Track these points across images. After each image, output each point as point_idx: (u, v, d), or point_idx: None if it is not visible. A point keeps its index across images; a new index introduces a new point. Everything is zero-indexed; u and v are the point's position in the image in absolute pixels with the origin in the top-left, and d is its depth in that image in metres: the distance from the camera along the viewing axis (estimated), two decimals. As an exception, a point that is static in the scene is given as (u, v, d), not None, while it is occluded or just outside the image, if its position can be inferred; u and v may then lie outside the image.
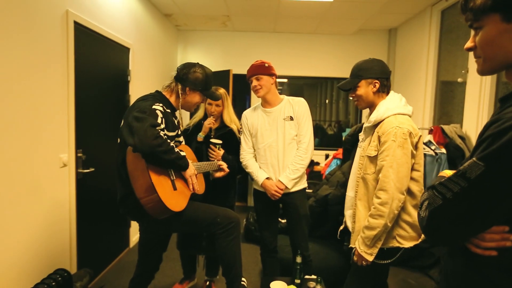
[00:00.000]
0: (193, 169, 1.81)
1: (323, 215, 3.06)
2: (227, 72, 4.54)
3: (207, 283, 2.80)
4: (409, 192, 1.62)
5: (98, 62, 2.92)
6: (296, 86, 5.76)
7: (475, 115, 3.06)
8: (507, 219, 0.76)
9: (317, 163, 4.95)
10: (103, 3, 2.94)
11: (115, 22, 3.17)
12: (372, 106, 1.74)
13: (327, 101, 6.39)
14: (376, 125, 1.67)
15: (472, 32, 0.84)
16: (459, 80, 3.43)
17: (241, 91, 5.22)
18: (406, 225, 1.63)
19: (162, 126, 1.62)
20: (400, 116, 1.62)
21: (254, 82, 2.27)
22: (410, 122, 1.62)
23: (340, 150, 4.28)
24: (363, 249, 1.62)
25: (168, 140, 1.61)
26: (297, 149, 2.30)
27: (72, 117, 2.50)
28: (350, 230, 1.80)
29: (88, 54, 2.73)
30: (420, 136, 1.64)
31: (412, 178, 1.62)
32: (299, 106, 2.32)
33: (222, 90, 2.51)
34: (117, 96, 3.27)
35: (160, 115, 1.64)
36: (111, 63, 3.17)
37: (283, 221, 3.16)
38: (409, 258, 2.46)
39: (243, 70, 4.97)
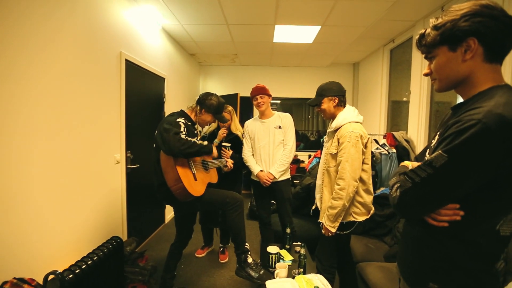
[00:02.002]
0: (215, 150, 1.88)
1: (307, 199, 3.08)
2: (235, 95, 4.60)
3: (221, 249, 2.82)
4: (361, 180, 1.64)
5: (142, 88, 2.96)
6: (286, 105, 5.80)
7: (416, 124, 3.11)
8: (460, 199, 0.75)
9: (302, 161, 4.97)
10: (146, 45, 3.01)
11: (155, 59, 3.23)
12: (333, 117, 1.75)
13: (309, 116, 6.44)
14: (335, 130, 1.69)
15: (427, 62, 0.85)
16: (404, 99, 3.47)
17: (246, 109, 5.26)
18: (359, 204, 1.66)
19: (184, 133, 1.63)
20: (354, 123, 1.63)
21: (259, 99, 2.31)
22: (361, 128, 1.64)
23: (319, 151, 4.32)
24: (328, 224, 1.64)
25: (189, 138, 1.62)
26: (283, 150, 2.33)
27: (123, 127, 2.54)
28: (319, 208, 1.82)
29: (135, 83, 2.77)
30: (368, 138, 1.66)
31: (362, 170, 1.64)
32: (286, 119, 2.36)
33: (230, 108, 2.54)
34: (155, 113, 3.31)
35: (182, 125, 1.66)
36: (151, 89, 3.21)
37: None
38: (369, 229, 2.47)
39: (247, 93, 5.02)
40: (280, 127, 2.35)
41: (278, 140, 2.34)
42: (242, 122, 2.70)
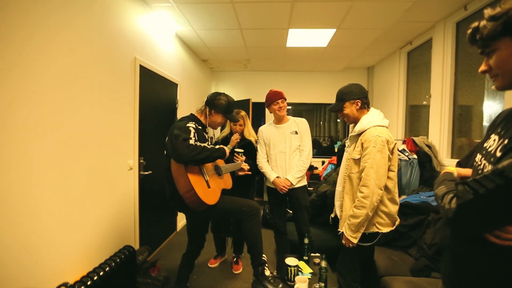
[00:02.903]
0: (228, 152, 1.78)
1: (323, 207, 2.95)
2: (247, 100, 4.54)
3: (234, 259, 2.72)
4: (386, 188, 1.52)
5: (155, 94, 2.94)
6: (297, 111, 5.71)
7: (438, 128, 2.96)
8: None
9: (316, 168, 4.84)
10: (160, 52, 2.99)
11: (168, 65, 3.21)
12: (357, 121, 1.65)
13: (321, 122, 6.32)
14: (359, 134, 1.59)
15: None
16: (424, 103, 3.32)
17: (258, 114, 5.20)
18: (383, 214, 1.54)
19: (194, 138, 1.55)
20: (379, 127, 1.53)
21: (280, 104, 2.24)
22: (388, 132, 1.53)
23: (334, 158, 4.20)
24: (349, 234, 1.53)
25: (198, 143, 1.54)
26: (300, 156, 2.26)
27: (136, 133, 2.51)
28: (339, 217, 1.72)
29: (148, 88, 2.75)
30: (395, 143, 1.55)
31: (388, 177, 1.53)
32: (302, 124, 2.30)
33: (243, 113, 2.49)
34: (168, 119, 3.27)
35: (192, 130, 1.59)
36: (164, 95, 3.19)
37: (291, 211, 3.04)
38: (391, 239, 2.32)
39: (260, 99, 5.14)
40: (296, 133, 2.28)
41: (294, 146, 2.26)
42: (254, 128, 2.63)
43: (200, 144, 1.55)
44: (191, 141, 1.51)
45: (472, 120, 2.69)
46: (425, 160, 2.86)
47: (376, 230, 1.54)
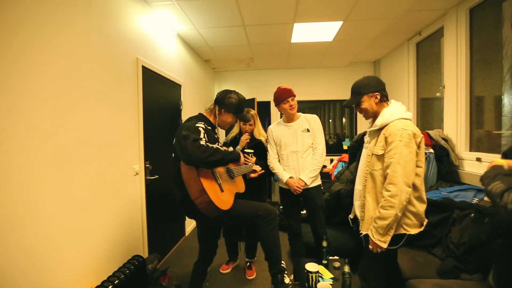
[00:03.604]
0: (242, 157, 1.70)
1: (337, 207, 2.84)
2: (252, 100, 4.44)
3: (247, 264, 2.61)
4: (413, 185, 1.41)
5: (159, 96, 2.86)
6: (300, 109, 5.57)
7: (454, 121, 2.82)
8: None
9: (325, 166, 4.72)
10: (162, 52, 2.91)
11: (171, 65, 3.14)
12: (376, 115, 1.55)
13: (328, 120, 6.21)
14: (381, 128, 1.48)
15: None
16: (438, 94, 3.19)
17: (263, 114, 5.09)
18: (411, 214, 1.44)
19: (204, 139, 1.46)
20: (403, 120, 1.43)
21: (291, 102, 2.15)
22: (413, 125, 1.43)
23: (344, 155, 4.10)
24: (377, 238, 1.41)
25: (210, 144, 1.44)
26: (313, 154, 2.17)
27: (141, 137, 2.42)
28: (359, 218, 1.62)
29: (151, 90, 2.67)
30: (422, 137, 1.44)
31: (415, 174, 1.41)
32: (314, 121, 2.21)
33: (253, 112, 2.41)
34: (173, 121, 3.19)
35: (202, 131, 1.50)
36: (168, 96, 3.11)
37: (303, 212, 2.94)
38: (413, 239, 2.19)
39: (264, 98, 5.06)
40: (308, 130, 2.19)
41: (307, 144, 2.17)
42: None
43: (212, 145, 1.45)
44: (202, 142, 1.41)
45: (490, 111, 2.56)
46: (442, 154, 2.73)
47: (403, 231, 1.44)
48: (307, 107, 5.71)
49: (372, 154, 1.50)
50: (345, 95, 4.95)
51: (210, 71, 4.94)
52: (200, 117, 1.71)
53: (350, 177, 2.92)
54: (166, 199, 2.88)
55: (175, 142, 1.53)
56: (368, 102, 1.54)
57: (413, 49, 3.68)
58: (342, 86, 4.95)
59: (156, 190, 2.68)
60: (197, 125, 1.52)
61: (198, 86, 4.19)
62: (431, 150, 2.76)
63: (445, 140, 2.79)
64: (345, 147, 4.93)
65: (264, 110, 5.04)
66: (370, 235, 1.45)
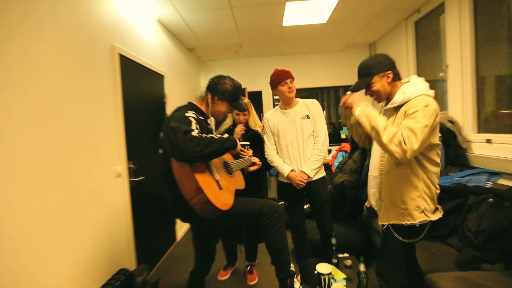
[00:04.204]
0: (239, 144, 1.58)
1: (341, 199, 2.77)
2: (242, 90, 4.24)
3: (248, 267, 2.49)
4: (433, 162, 1.35)
5: (140, 88, 2.69)
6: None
7: (460, 102, 2.77)
8: None
9: (323, 157, 4.66)
10: (141, 39, 2.73)
11: (152, 54, 2.97)
12: (391, 97, 1.45)
13: (324, 110, 6.15)
14: (399, 106, 1.39)
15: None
16: (441, 75, 3.13)
17: (254, 105, 4.95)
18: (428, 198, 1.37)
19: (197, 130, 1.34)
20: (427, 97, 1.34)
21: (290, 84, 2.04)
22: (437, 106, 1.33)
23: (344, 145, 4.05)
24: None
25: (203, 134, 1.33)
26: (315, 143, 2.08)
27: (122, 134, 2.25)
28: (375, 208, 1.55)
29: (132, 81, 2.50)
30: (440, 118, 1.37)
31: (432, 160, 1.35)
32: (314, 106, 2.13)
33: (246, 100, 2.30)
34: (157, 115, 3.02)
35: (193, 121, 1.39)
36: (151, 88, 2.94)
37: (306, 206, 2.85)
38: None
39: (255, 87, 4.96)
40: (308, 117, 2.11)
41: (307, 132, 2.08)
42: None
43: (206, 135, 1.33)
44: (194, 133, 1.29)
45: (498, 90, 2.51)
46: (449, 137, 2.66)
47: (425, 218, 1.36)
48: (299, 96, 5.62)
49: None
50: (340, 81, 4.91)
51: (196, 61, 4.78)
52: (190, 106, 1.58)
53: (354, 166, 2.85)
54: (154, 202, 2.74)
55: (163, 136, 1.40)
56: (380, 83, 1.44)
57: (412, 29, 3.61)
58: (337, 72, 4.89)
59: (142, 192, 2.52)
60: (187, 114, 1.40)
61: (183, 77, 4.03)
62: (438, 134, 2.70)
63: (451, 122, 2.73)
64: (343, 136, 4.86)
65: (255, 100, 4.91)
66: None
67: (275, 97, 5.04)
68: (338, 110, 5.75)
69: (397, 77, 1.45)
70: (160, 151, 1.52)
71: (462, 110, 2.74)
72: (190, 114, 1.43)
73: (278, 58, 4.97)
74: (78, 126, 1.76)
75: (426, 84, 1.40)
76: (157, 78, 3.09)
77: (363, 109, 1.35)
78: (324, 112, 6.14)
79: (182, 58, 4.04)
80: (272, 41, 4.15)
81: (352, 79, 1.51)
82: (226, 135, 1.48)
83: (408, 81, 1.45)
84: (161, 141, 1.42)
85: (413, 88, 1.37)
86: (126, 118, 2.30)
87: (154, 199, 2.73)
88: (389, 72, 1.42)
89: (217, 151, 1.35)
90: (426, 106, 1.27)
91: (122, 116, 2.24)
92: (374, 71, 1.43)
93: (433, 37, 3.29)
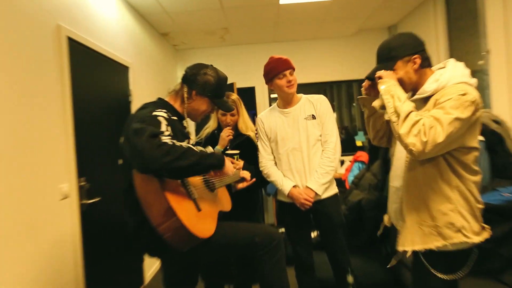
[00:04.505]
0: (231, 165, 1.53)
1: (358, 223, 2.78)
2: (230, 85, 4.30)
3: (239, 315, 2.39)
4: (471, 170, 1.32)
5: (96, 81, 2.69)
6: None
7: (506, 96, 2.79)
8: None
9: (334, 170, 4.66)
10: (96, 18, 2.71)
11: (113, 39, 2.97)
12: (418, 87, 1.44)
13: (334, 111, 6.21)
14: (429, 97, 1.38)
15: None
16: (480, 62, 3.17)
17: (245, 105, 4.95)
18: (467, 213, 1.31)
19: (168, 133, 1.32)
20: (465, 85, 1.32)
21: (289, 76, 2.05)
22: (478, 94, 1.30)
23: (360, 153, 4.10)
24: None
25: (179, 143, 1.31)
26: (323, 151, 2.09)
27: (71, 141, 2.21)
28: (397, 227, 1.52)
29: (85, 73, 2.49)
30: (482, 112, 1.33)
31: (468, 162, 1.31)
32: (321, 103, 2.15)
33: (234, 96, 2.36)
34: (120, 117, 2.98)
35: (163, 121, 1.36)
36: (111, 82, 2.94)
37: (314, 234, 2.85)
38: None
39: (246, 83, 4.97)
40: (313, 117, 2.11)
41: (313, 136, 2.09)
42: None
43: (180, 143, 1.30)
44: (165, 138, 1.25)
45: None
46: (495, 142, 2.67)
47: (463, 239, 1.29)
48: (302, 93, 5.67)
49: None
50: (353, 73, 4.98)
51: (170, 49, 4.86)
52: (159, 103, 1.57)
53: (374, 181, 2.86)
54: (114, 232, 2.69)
55: (123, 142, 1.38)
56: (403, 70, 1.42)
57: (442, 7, 3.68)
58: (349, 62, 4.96)
59: (97, 219, 2.50)
60: (155, 113, 1.38)
61: (154, 70, 4.08)
62: (481, 138, 2.69)
63: (497, 122, 2.74)
64: (359, 143, 4.90)
65: (246, 100, 4.89)
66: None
67: (272, 96, 5.05)
68: (351, 108, 5.77)
69: (426, 63, 1.44)
70: (120, 161, 1.49)
71: (510, 107, 2.76)
72: (160, 113, 1.40)
73: (274, 46, 5.04)
74: (9, 131, 1.71)
75: (467, 71, 1.39)
76: (120, 70, 3.10)
77: (390, 86, 1.35)
78: (335, 114, 6.18)
79: (153, 45, 4.08)
80: (266, 24, 4.19)
81: (368, 71, 1.55)
82: (210, 149, 1.44)
83: (443, 67, 1.45)
84: (121, 148, 1.39)
85: (449, 74, 1.35)
86: (77, 120, 2.29)
87: (114, 227, 2.68)
88: (416, 56, 1.40)
89: (194, 167, 1.30)
90: (463, 95, 1.25)
91: (71, 118, 2.22)
92: (398, 54, 1.41)
93: (469, 17, 3.34)
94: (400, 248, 1.43)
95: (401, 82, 1.43)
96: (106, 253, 2.59)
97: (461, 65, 1.41)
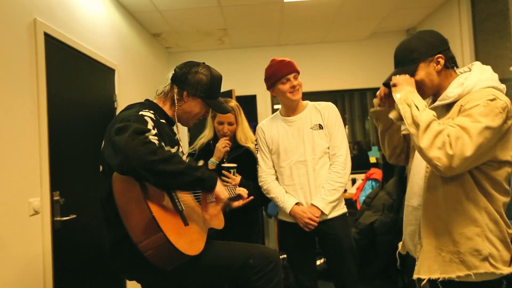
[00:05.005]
0: (224, 190, 1.52)
1: (371, 249, 2.77)
2: (229, 92, 4.38)
3: None
4: (502, 189, 1.32)
5: (77, 84, 2.73)
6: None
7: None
8: None
9: (345, 190, 4.62)
10: (79, 15, 2.77)
11: (96, 38, 3.03)
12: (440, 91, 1.46)
13: (346, 125, 6.27)
14: (452, 103, 1.40)
15: None
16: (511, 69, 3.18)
17: (246, 115, 5.01)
18: (496, 239, 1.31)
19: (155, 132, 1.35)
20: (494, 89, 1.32)
21: (293, 81, 2.09)
22: (508, 99, 1.31)
23: (374, 170, 4.13)
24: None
25: (167, 147, 1.34)
26: (332, 164, 2.12)
27: (45, 150, 2.23)
28: (414, 254, 1.52)
29: (64, 74, 2.52)
30: None
31: (497, 178, 1.31)
32: (329, 111, 2.18)
33: (233, 103, 2.42)
34: (103, 124, 2.95)
35: (150, 121, 1.39)
36: (93, 85, 2.99)
37: (321, 261, 2.83)
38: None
39: (247, 91, 5.03)
40: (320, 126, 2.14)
41: (320, 148, 2.11)
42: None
43: (167, 148, 1.34)
44: (152, 137, 1.29)
45: None
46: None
47: (491, 269, 1.28)
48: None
49: None
50: (367, 81, 5.03)
51: (162, 51, 4.95)
52: (147, 104, 1.59)
53: (389, 201, 2.87)
54: (92, 253, 2.68)
55: (104, 146, 1.40)
56: (425, 71, 1.44)
57: (467, 7, 3.74)
58: (362, 69, 5.00)
59: (72, 239, 2.51)
60: (141, 113, 1.41)
61: (144, 73, 4.13)
62: None
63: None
64: (372, 160, 4.91)
65: (247, 109, 4.92)
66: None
67: (276, 106, 5.07)
68: (365, 121, 5.77)
69: (450, 63, 1.45)
70: (100, 168, 1.50)
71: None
72: (146, 113, 1.43)
73: (278, 50, 5.10)
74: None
75: (495, 75, 1.40)
76: (105, 72, 3.15)
77: (406, 94, 1.35)
78: (347, 127, 6.19)
79: (143, 47, 4.14)
80: (270, 24, 4.24)
81: (383, 78, 1.57)
82: (201, 162, 1.46)
83: (468, 70, 1.46)
84: (102, 153, 1.40)
85: (475, 78, 1.36)
86: (53, 126, 2.30)
87: (91, 248, 2.68)
88: (439, 56, 1.42)
89: (179, 176, 1.29)
90: (492, 100, 1.24)
91: (45, 124, 2.24)
92: (420, 56, 1.43)
93: (498, 17, 3.38)
94: (415, 276, 1.42)
95: (421, 84, 1.46)
96: (80, 277, 2.58)
97: (488, 68, 1.43)
